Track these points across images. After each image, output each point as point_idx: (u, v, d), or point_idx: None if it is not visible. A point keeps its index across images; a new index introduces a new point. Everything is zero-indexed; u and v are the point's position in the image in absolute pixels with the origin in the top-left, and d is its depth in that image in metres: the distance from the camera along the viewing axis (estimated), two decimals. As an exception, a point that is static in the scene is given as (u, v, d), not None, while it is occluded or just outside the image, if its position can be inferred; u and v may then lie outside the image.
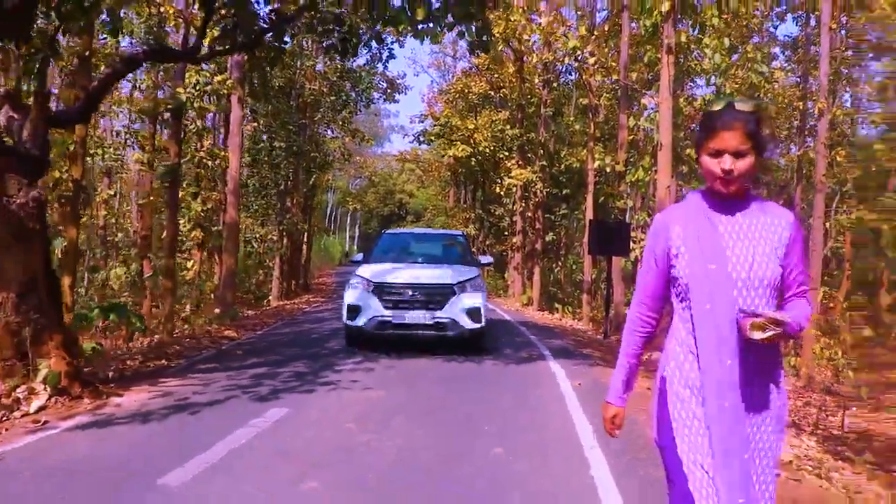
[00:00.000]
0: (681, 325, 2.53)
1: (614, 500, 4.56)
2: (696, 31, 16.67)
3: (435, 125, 29.56)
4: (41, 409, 6.51)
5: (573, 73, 25.69)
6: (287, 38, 11.52)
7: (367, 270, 11.21)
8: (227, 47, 10.70)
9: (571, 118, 27.73)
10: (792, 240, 2.47)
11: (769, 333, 2.25)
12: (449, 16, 10.28)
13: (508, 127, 27.60)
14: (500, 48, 23.78)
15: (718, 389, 2.35)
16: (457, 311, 10.55)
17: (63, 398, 6.81)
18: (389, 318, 10.46)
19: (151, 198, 17.53)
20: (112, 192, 23.99)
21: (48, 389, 6.72)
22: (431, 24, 10.08)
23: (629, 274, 20.73)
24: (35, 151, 7.45)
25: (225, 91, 17.13)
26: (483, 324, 10.77)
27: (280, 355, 10.53)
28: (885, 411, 12.88)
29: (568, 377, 9.08)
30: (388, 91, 31.38)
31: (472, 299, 10.70)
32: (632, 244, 16.49)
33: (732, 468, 2.32)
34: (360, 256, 12.52)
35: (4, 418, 6.15)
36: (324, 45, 11.77)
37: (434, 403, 7.46)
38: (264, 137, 25.46)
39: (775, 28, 28.78)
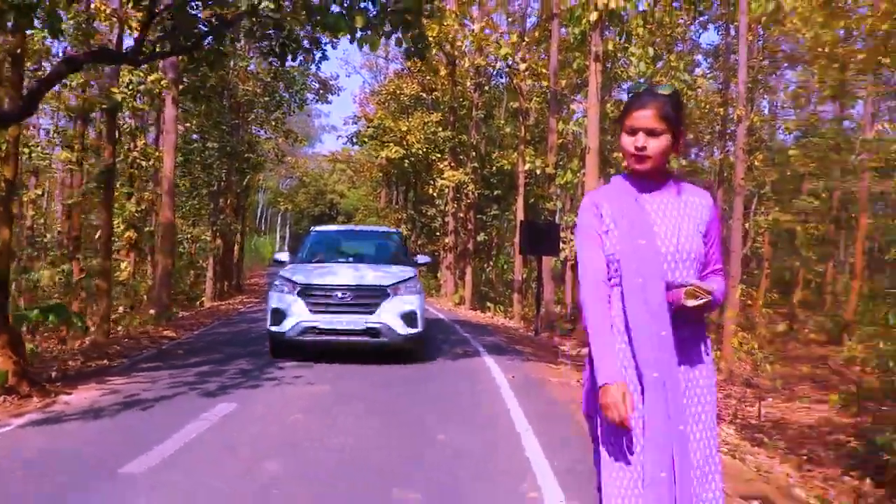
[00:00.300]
0: (612, 301, 2.59)
1: (546, 473, 4.98)
2: (622, 39, 17.39)
3: (368, 127, 29.83)
4: (-10, 407, 6.64)
5: (504, 77, 26.29)
6: (226, 42, 11.66)
7: (293, 271, 10.27)
8: (167, 50, 10.84)
9: (502, 121, 28.32)
10: (711, 219, 2.60)
11: (702, 301, 2.39)
12: (387, 24, 10.67)
13: (441, 129, 28.04)
14: (434, 52, 24.19)
15: (653, 361, 2.43)
16: (390, 315, 9.60)
17: (11, 397, 6.94)
18: (316, 324, 9.50)
19: (80, 198, 17.39)
20: (40, 192, 23.58)
21: (-5, 388, 6.84)
22: (370, 32, 10.43)
23: (558, 273, 21.39)
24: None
25: (158, 90, 17.10)
26: (420, 329, 9.90)
27: (221, 353, 10.70)
28: (797, 401, 13.78)
29: (502, 371, 9.52)
30: (321, 92, 31.55)
31: (407, 302, 9.80)
32: (561, 244, 17.10)
33: (667, 438, 2.40)
34: (285, 256, 11.38)
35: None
36: (263, 49, 11.96)
37: (376, 395, 7.80)
38: (195, 137, 25.34)
39: (698, 36, 29.84)
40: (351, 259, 11.54)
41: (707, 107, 26.92)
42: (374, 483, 4.79)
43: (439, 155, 28.23)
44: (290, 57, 11.72)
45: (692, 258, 2.52)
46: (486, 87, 26.88)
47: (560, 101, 20.11)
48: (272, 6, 9.64)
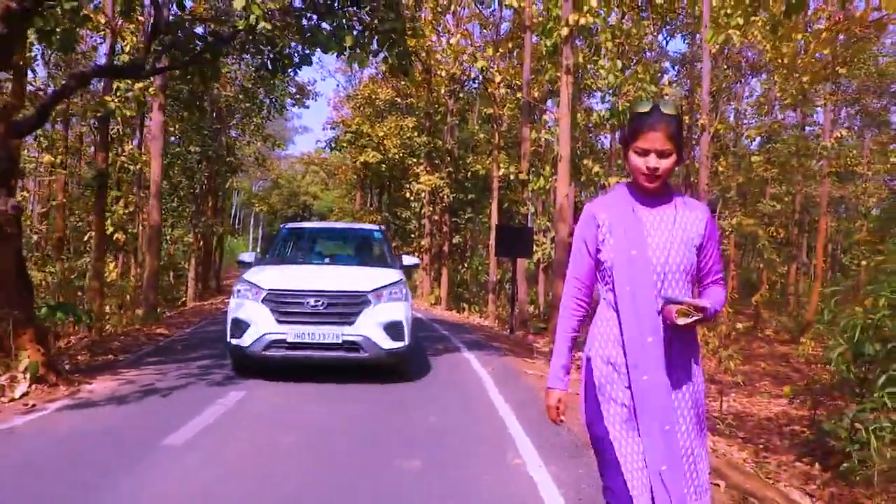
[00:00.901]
0: (604, 307, 2.78)
1: (528, 446, 5.82)
2: (591, 51, 18.31)
3: (347, 132, 30.56)
4: (24, 395, 7.34)
5: (477, 83, 27.16)
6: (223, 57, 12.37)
7: (259, 274, 8.87)
8: (166, 64, 11.57)
9: (476, 127, 29.17)
10: (708, 231, 2.72)
11: (692, 319, 2.52)
12: (374, 42, 11.47)
13: (416, 134, 28.84)
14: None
15: (641, 365, 2.60)
16: (371, 326, 8.24)
17: (42, 386, 7.63)
18: (283, 336, 8.11)
19: (63, 200, 18.00)
20: (25, 195, 24.06)
21: (28, 378, 7.54)
22: (358, 50, 11.23)
23: (532, 274, 22.26)
24: (5, 162, 8.24)
25: (144, 98, 17.75)
26: (407, 342, 8.52)
27: (217, 349, 11.17)
28: (758, 396, 14.71)
29: (482, 365, 10.34)
30: (299, 97, 32.20)
31: (391, 311, 8.45)
32: (534, 247, 17.99)
33: (654, 437, 2.57)
34: (250, 256, 9.91)
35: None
36: (254, 62, 12.68)
37: (367, 384, 8.58)
38: (172, 140, 25.87)
39: (666, 44, 30.89)
40: (327, 260, 10.34)
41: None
42: (378, 453, 5.60)
43: (415, 160, 29.03)
44: (280, 71, 12.50)
45: (682, 270, 2.66)
46: (461, 94, 27.71)
47: (532, 110, 21.00)
48: (269, 26, 10.37)
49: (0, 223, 7.64)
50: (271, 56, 11.90)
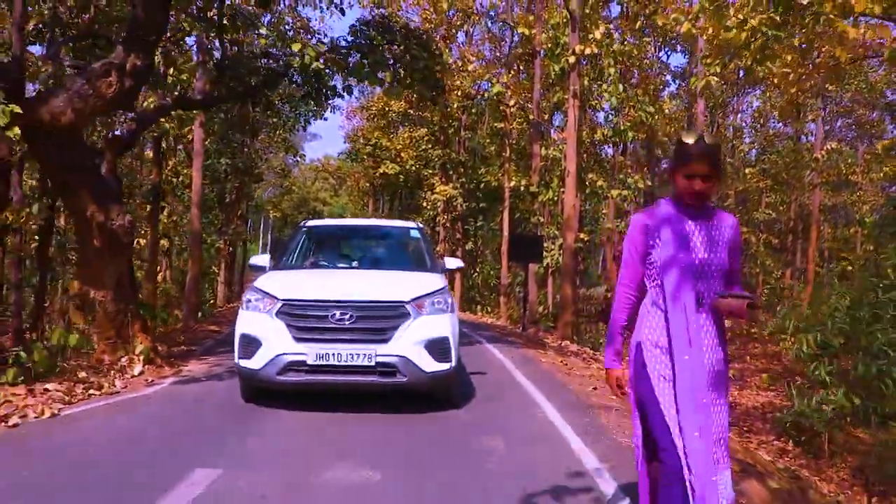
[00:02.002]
0: (652, 301, 3.26)
1: (547, 405, 7.59)
2: (595, 74, 20.11)
3: (367, 145, 32.30)
4: (140, 373, 9.12)
5: (487, 98, 28.89)
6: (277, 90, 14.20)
7: (272, 282, 7.36)
8: (224, 95, 13.38)
9: (487, 140, 30.92)
10: (736, 239, 3.24)
11: (747, 305, 3.04)
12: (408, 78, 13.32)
13: (431, 147, 30.61)
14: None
15: (685, 346, 3.10)
16: (411, 344, 6.77)
17: (151, 366, 9.41)
18: (303, 358, 6.62)
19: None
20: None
21: (141, 360, 9.32)
22: (396, 84, 13.08)
23: (541, 278, 24.04)
24: (116, 183, 10.07)
25: (188, 117, 19.57)
26: (454, 363, 7.04)
27: None
28: (747, 390, 16.47)
29: (503, 354, 12.10)
30: (317, 109, 33.92)
31: (434, 325, 6.95)
32: (544, 253, 19.81)
33: (690, 407, 3.05)
34: (264, 259, 8.33)
35: (122, 377, 8.78)
36: (301, 92, 14.46)
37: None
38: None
39: (668, 57, 32.46)
40: (355, 264, 8.90)
41: (675, 126, 29.63)
42: (428, 402, 7.34)
43: (431, 171, 30.78)
44: (324, 101, 14.32)
45: (717, 269, 3.17)
46: (473, 110, 29.48)
47: (542, 129, 22.82)
48: (321, 66, 12.19)
49: (119, 235, 9.44)
50: (317, 86, 13.70)
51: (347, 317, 6.70)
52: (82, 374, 8.54)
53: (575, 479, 4.93)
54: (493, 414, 7.16)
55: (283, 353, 6.64)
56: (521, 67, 24.91)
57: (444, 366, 6.91)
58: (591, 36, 18.47)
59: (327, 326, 6.69)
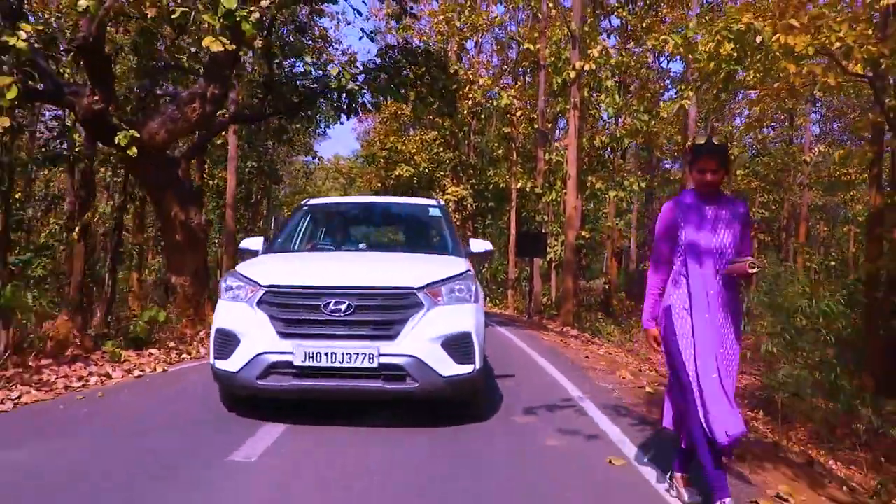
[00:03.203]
0: (678, 272, 3.93)
1: (551, 368, 9.62)
2: (594, 85, 22.12)
3: (382, 149, 34.27)
4: (215, 344, 11.19)
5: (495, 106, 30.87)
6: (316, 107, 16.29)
7: (257, 266, 6.15)
8: (270, 112, 15.46)
9: (494, 143, 32.89)
10: (745, 219, 3.89)
11: (755, 270, 3.64)
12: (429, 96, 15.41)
13: (443, 150, 32.60)
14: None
15: (703, 308, 3.77)
16: (424, 341, 5.37)
17: (222, 340, 11.49)
18: (288, 358, 5.29)
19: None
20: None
21: (215, 333, 11.39)
22: (419, 102, 15.16)
23: (545, 272, 26.13)
24: (189, 184, 12.16)
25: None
26: (478, 365, 5.62)
27: None
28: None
29: (510, 333, 14.16)
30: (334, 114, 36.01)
31: (454, 317, 5.56)
32: (547, 249, 21.87)
33: (710, 356, 3.73)
34: (256, 243, 7.11)
35: (203, 346, 10.83)
36: (333, 107, 16.51)
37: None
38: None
39: (667, 63, 34.20)
40: (362, 246, 7.68)
41: (674, 128, 31.42)
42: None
43: (442, 173, 32.77)
44: (354, 114, 16.37)
45: (730, 246, 3.82)
46: (482, 115, 31.45)
47: (545, 136, 24.86)
48: (356, 87, 14.24)
49: (196, 231, 11.52)
50: (349, 103, 15.75)
51: (344, 307, 5.28)
52: (172, 344, 10.61)
53: (565, 402, 7.00)
54: (506, 367, 9.19)
55: (265, 353, 5.28)
56: (527, 75, 26.91)
57: (466, 368, 5.44)
58: (590, 51, 20.42)
59: (319, 319, 5.31)
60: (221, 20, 8.41)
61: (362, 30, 15.20)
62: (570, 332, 17.06)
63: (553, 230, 24.30)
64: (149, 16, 8.15)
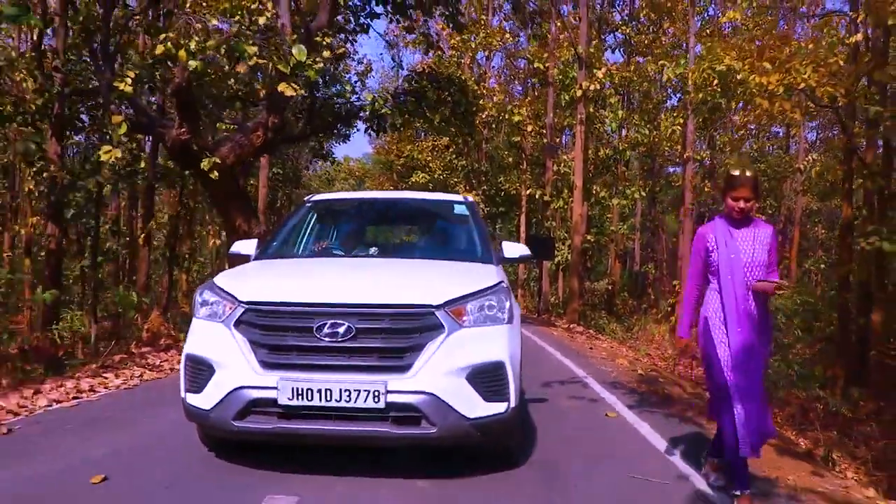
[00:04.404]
0: (713, 290, 4.37)
1: (559, 354, 11.52)
2: (598, 103, 24.02)
3: (400, 157, 36.11)
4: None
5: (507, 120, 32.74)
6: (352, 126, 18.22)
7: (237, 277, 4.88)
8: (309, 132, 17.33)
9: (504, 151, 34.68)
10: (772, 241, 4.31)
11: (781, 292, 4.37)
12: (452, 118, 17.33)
13: (455, 157, 34.39)
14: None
15: (736, 321, 4.22)
16: (444, 373, 4.21)
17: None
18: (272, 395, 4.18)
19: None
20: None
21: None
22: (444, 123, 17.07)
23: (553, 273, 28.01)
24: (248, 200, 14.07)
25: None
26: (513, 403, 4.40)
27: None
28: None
29: (523, 328, 15.96)
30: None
31: (482, 342, 4.38)
32: (555, 252, 23.74)
33: (743, 360, 4.18)
34: (249, 247, 5.80)
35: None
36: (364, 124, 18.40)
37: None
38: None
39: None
40: (373, 251, 6.29)
41: (674, 140, 33.18)
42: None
43: (456, 179, 34.53)
44: (383, 132, 18.27)
45: (759, 265, 4.26)
46: (494, 126, 33.29)
47: (554, 149, 26.77)
48: (389, 111, 16.14)
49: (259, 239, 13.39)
50: (378, 122, 17.62)
51: (343, 330, 4.21)
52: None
53: (573, 379, 8.93)
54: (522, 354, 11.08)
55: (243, 387, 4.23)
56: (535, 88, 28.74)
57: (498, 407, 4.34)
58: (595, 71, 22.30)
59: (311, 345, 4.24)
60: (292, 69, 10.31)
61: (392, 58, 17.11)
62: (576, 329, 18.87)
63: (560, 235, 26.21)
64: (240, 73, 10.04)
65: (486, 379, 4.29)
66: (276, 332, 4.28)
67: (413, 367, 4.16)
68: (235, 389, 4.21)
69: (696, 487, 4.62)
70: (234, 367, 4.25)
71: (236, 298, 4.41)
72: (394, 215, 7.46)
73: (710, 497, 4.45)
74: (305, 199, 6.86)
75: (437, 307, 4.30)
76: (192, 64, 9.22)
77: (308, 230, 6.47)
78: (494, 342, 4.39)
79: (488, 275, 4.92)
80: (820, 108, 12.83)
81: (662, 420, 6.65)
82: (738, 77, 12.49)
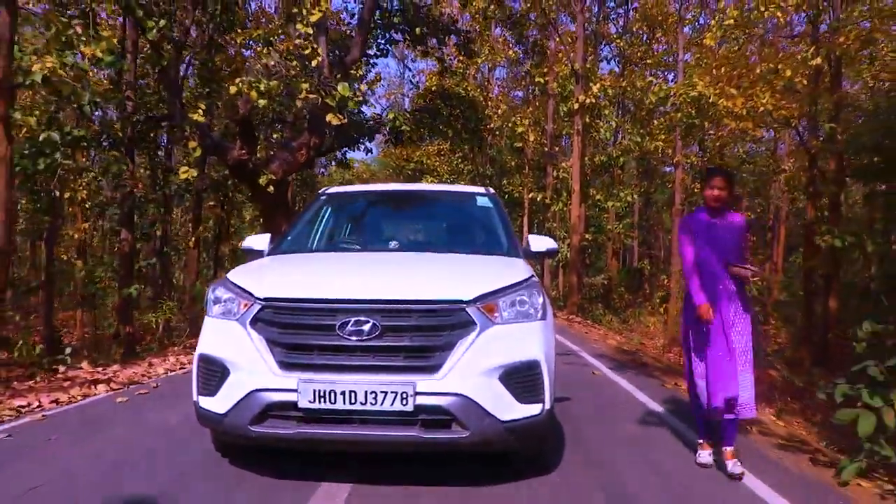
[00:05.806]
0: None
1: (565, 341, 13.73)
2: (594, 113, 26.21)
3: (410, 161, 38.19)
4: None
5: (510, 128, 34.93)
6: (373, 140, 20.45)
7: (254, 272, 4.69)
8: (335, 147, 19.56)
9: (507, 156, 36.80)
10: (744, 230, 4.84)
11: (755, 278, 4.99)
12: (462, 132, 19.57)
13: (461, 161, 36.53)
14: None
15: (715, 300, 4.69)
16: (476, 373, 3.97)
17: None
18: (292, 398, 3.94)
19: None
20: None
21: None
22: (455, 137, 19.29)
23: (553, 270, 30.18)
24: (284, 198, 16.28)
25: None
26: (547, 405, 4.19)
27: None
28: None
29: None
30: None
31: (516, 340, 4.15)
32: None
33: (722, 334, 4.68)
34: (262, 242, 5.54)
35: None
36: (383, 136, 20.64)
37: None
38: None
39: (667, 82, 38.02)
40: (393, 244, 5.78)
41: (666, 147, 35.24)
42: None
43: (462, 182, 36.64)
44: (399, 145, 20.51)
45: (732, 248, 4.80)
46: (498, 133, 35.42)
47: (553, 156, 29.03)
48: (407, 128, 18.37)
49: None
50: (397, 136, 19.83)
51: (368, 328, 3.96)
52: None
53: (569, 352, 11.19)
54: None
55: (260, 389, 3.99)
56: (535, 97, 30.94)
57: (532, 409, 4.10)
58: (592, 84, 24.42)
59: (334, 344, 3.99)
60: (337, 102, 12.52)
61: (410, 81, 19.35)
62: (575, 320, 20.87)
63: (560, 234, 28.41)
64: (295, 108, 12.24)
65: (520, 379, 4.05)
66: (296, 330, 4.02)
67: (443, 366, 3.91)
68: (252, 392, 3.97)
69: (646, 404, 6.87)
70: (250, 368, 4.01)
71: (253, 295, 4.16)
72: (412, 208, 6.87)
73: (656, 412, 6.67)
74: (320, 192, 6.52)
75: (469, 303, 4.03)
76: (262, 102, 11.44)
77: (324, 224, 6.14)
78: (529, 340, 4.14)
79: (517, 269, 4.62)
80: (780, 126, 15.04)
81: (634, 376, 8.93)
82: (710, 101, 14.69)
